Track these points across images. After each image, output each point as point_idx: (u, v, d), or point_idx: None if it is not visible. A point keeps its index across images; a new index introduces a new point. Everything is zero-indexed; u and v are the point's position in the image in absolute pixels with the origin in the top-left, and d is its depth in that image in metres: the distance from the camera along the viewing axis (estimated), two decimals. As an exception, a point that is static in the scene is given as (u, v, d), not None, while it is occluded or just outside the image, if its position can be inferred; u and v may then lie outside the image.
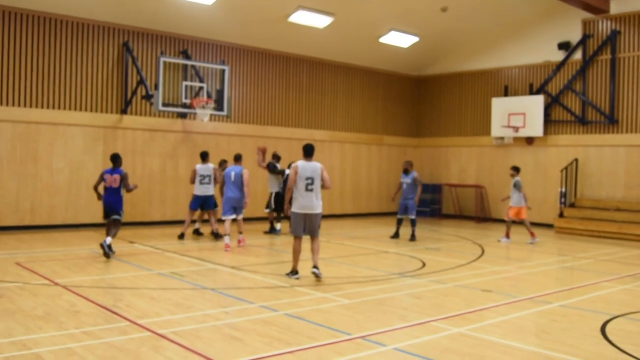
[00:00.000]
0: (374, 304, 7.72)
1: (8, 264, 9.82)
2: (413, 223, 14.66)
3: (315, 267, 9.07)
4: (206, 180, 13.77)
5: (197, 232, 14.40)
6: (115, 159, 11.02)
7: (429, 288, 8.91)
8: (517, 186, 14.94)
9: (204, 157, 13.99)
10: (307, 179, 9.06)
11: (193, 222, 14.34)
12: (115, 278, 9.09)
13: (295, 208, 9.11)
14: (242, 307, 7.41)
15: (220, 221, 13.95)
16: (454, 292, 8.70)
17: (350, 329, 6.42)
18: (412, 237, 14.51)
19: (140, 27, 16.28)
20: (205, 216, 14.43)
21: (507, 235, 15.08)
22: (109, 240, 10.59)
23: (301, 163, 9.13)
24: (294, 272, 9.25)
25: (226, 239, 12.17)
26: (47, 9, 14.78)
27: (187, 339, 5.92)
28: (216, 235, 13.74)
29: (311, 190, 9.06)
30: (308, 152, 9.20)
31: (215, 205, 14.04)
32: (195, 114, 16.02)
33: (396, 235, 14.93)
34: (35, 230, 14.35)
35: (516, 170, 15.22)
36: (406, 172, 14.93)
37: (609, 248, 14.49)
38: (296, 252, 9.24)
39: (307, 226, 9.14)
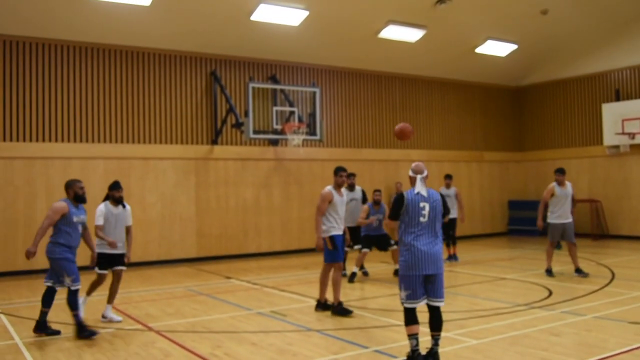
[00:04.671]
0: (506, 345, 6.60)
1: (102, 307, 9.31)
2: None
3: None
4: None
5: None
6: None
7: (566, 322, 7.68)
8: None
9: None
10: None
11: None
12: (212, 320, 8.36)
13: None
14: (355, 352, 6.47)
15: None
16: (598, 326, 7.43)
17: (486, 381, 4.86)
18: None
19: (226, 55, 15.90)
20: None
21: None
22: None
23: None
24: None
25: None
26: (134, 43, 14.62)
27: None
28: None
29: None
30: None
31: None
32: (287, 140, 15.40)
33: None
34: (130, 267, 13.99)
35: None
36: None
37: None
38: None
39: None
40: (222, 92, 15.50)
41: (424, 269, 5.90)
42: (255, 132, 14.80)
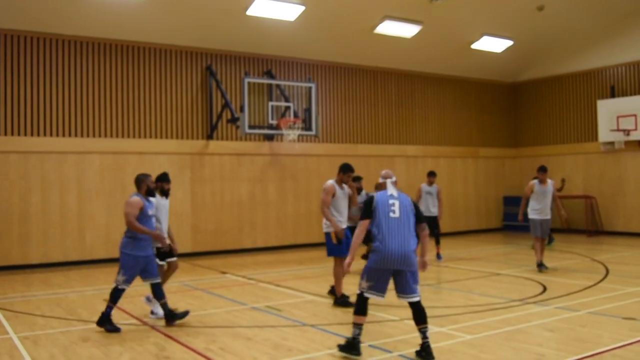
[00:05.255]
0: (501, 340, 6.63)
1: (96, 301, 9.32)
2: None
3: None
4: None
5: None
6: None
7: (561, 317, 7.71)
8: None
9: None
10: None
11: None
12: (207, 315, 8.37)
13: None
14: (349, 347, 6.48)
15: None
16: (592, 321, 7.46)
17: (480, 376, 4.86)
18: None
19: (222, 50, 15.87)
20: None
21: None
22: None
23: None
24: None
25: None
26: (129, 38, 14.57)
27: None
28: None
29: None
30: None
31: None
32: (282, 135, 15.38)
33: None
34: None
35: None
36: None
37: None
38: None
39: None
40: (218, 87, 15.48)
41: (392, 264, 5.95)
42: (250, 127, 14.77)
